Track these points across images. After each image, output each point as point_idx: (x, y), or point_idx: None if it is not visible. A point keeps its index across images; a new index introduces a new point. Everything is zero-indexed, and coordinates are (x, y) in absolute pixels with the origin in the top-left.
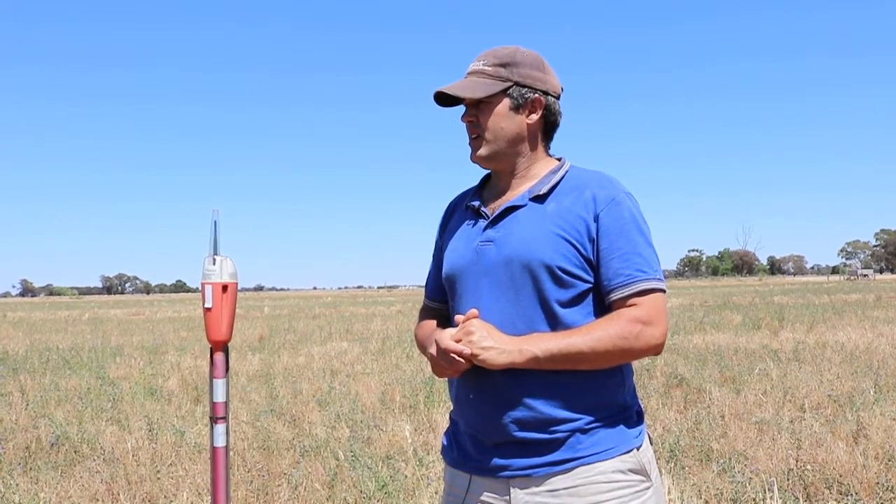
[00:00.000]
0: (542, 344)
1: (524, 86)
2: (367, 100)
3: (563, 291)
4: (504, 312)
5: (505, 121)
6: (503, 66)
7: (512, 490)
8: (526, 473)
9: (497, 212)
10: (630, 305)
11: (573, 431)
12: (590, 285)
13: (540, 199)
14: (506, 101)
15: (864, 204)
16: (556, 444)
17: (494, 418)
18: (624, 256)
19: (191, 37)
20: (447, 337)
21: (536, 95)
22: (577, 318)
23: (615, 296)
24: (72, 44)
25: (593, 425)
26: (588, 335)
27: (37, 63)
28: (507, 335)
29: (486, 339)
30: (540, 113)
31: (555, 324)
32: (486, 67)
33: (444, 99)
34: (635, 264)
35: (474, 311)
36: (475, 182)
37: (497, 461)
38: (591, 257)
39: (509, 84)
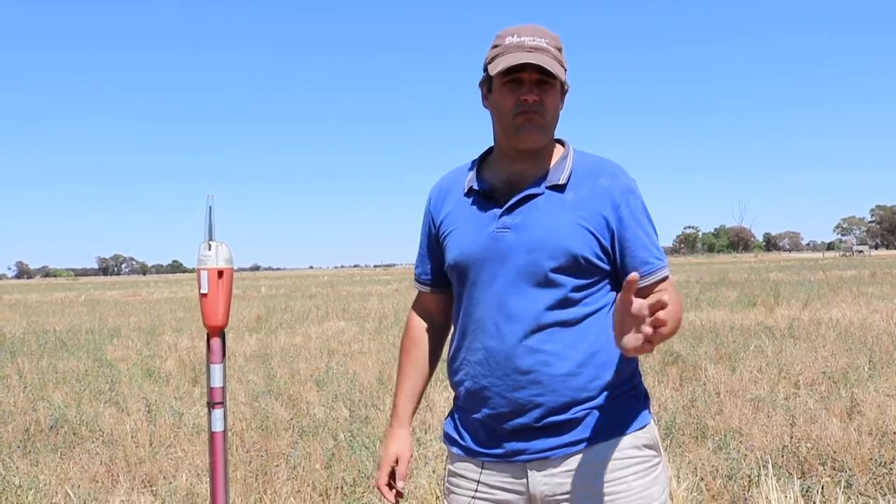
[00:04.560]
0: None
1: (566, 73)
2: (362, 80)
3: (582, 280)
4: (524, 300)
5: (558, 105)
6: (560, 50)
7: (529, 473)
8: (544, 456)
9: (514, 199)
10: (656, 290)
11: (590, 410)
12: (603, 273)
13: (558, 188)
14: (559, 87)
15: (859, 180)
16: (573, 425)
17: (520, 406)
18: (645, 246)
19: (187, 18)
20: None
21: (568, 85)
22: (592, 305)
23: (642, 283)
24: (67, 26)
25: (609, 403)
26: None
27: (31, 46)
28: None
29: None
30: (563, 102)
31: (572, 310)
32: (549, 47)
33: (511, 68)
34: (654, 253)
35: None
36: (467, 159)
37: (513, 446)
38: (608, 246)
39: (565, 70)
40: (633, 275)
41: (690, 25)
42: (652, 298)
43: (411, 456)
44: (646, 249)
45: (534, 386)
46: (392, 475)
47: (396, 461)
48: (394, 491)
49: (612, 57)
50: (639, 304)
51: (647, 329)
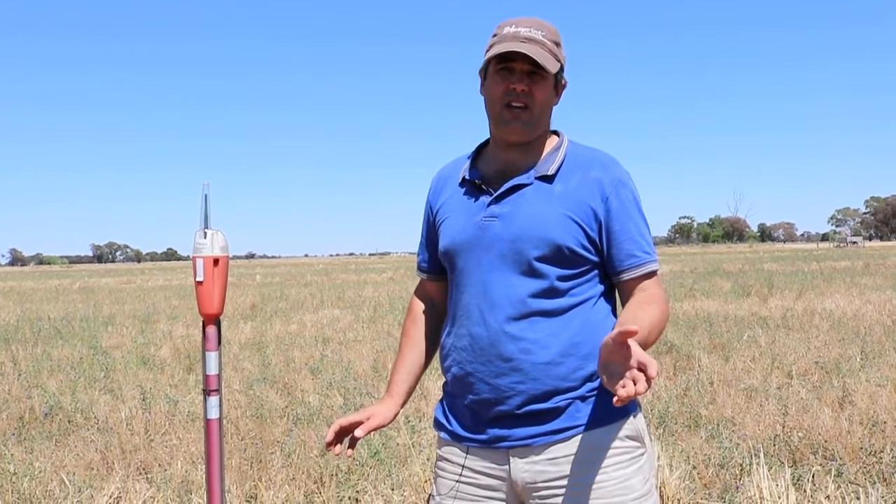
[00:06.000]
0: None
1: (563, 69)
2: (358, 67)
3: (567, 270)
4: (507, 287)
5: (550, 98)
6: (557, 44)
7: (511, 460)
8: (526, 443)
9: (502, 188)
10: (641, 285)
11: (573, 400)
12: (591, 264)
13: (547, 178)
14: (553, 81)
15: (854, 171)
16: (556, 413)
17: (501, 392)
18: (633, 239)
19: (182, 5)
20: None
21: (565, 80)
22: (578, 296)
23: (627, 276)
24: (61, 12)
25: (592, 393)
26: (644, 322)
27: (24, 32)
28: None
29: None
30: (560, 97)
31: (557, 300)
32: (545, 40)
33: (503, 55)
34: (642, 247)
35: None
36: (463, 150)
37: (496, 432)
38: (596, 238)
39: (560, 65)
40: (633, 328)
41: (686, 15)
42: (639, 358)
43: (385, 424)
44: (633, 242)
45: (515, 373)
46: (354, 430)
47: (368, 418)
48: (338, 446)
49: (609, 46)
50: (635, 359)
51: (638, 381)
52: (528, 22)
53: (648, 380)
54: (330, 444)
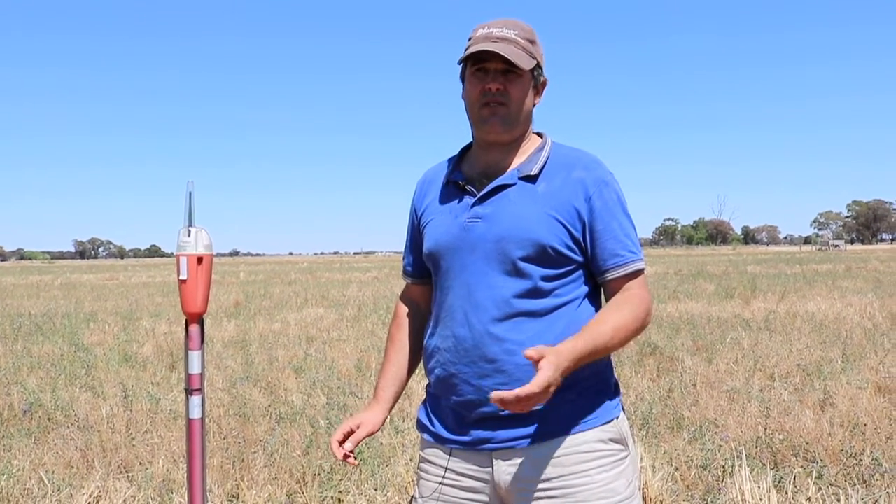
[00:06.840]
0: (573, 354)
1: (541, 67)
2: (343, 65)
3: (551, 270)
4: (491, 289)
5: (527, 97)
6: (531, 42)
7: (494, 462)
8: (509, 446)
9: (486, 189)
10: (625, 286)
11: (556, 402)
12: (576, 264)
13: (530, 179)
14: (530, 79)
15: (837, 175)
16: (539, 416)
17: (485, 394)
18: (616, 238)
19: (166, 0)
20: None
21: (545, 78)
22: (562, 297)
23: (611, 276)
24: (45, 7)
25: (576, 396)
26: (607, 326)
27: (6, 26)
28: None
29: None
30: (542, 96)
31: (541, 301)
32: (518, 38)
33: (476, 56)
34: (626, 246)
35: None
36: (449, 150)
37: (479, 434)
38: (580, 238)
39: (536, 62)
40: (529, 352)
41: (671, 16)
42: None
43: (375, 431)
44: (617, 241)
45: (499, 374)
46: (349, 438)
47: (359, 427)
48: (342, 452)
49: (592, 47)
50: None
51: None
52: (501, 22)
53: (517, 398)
54: (345, 458)
